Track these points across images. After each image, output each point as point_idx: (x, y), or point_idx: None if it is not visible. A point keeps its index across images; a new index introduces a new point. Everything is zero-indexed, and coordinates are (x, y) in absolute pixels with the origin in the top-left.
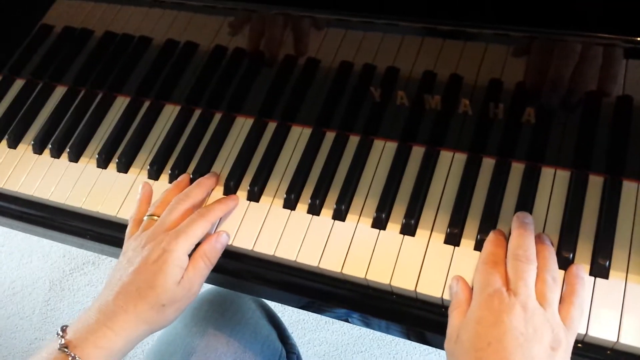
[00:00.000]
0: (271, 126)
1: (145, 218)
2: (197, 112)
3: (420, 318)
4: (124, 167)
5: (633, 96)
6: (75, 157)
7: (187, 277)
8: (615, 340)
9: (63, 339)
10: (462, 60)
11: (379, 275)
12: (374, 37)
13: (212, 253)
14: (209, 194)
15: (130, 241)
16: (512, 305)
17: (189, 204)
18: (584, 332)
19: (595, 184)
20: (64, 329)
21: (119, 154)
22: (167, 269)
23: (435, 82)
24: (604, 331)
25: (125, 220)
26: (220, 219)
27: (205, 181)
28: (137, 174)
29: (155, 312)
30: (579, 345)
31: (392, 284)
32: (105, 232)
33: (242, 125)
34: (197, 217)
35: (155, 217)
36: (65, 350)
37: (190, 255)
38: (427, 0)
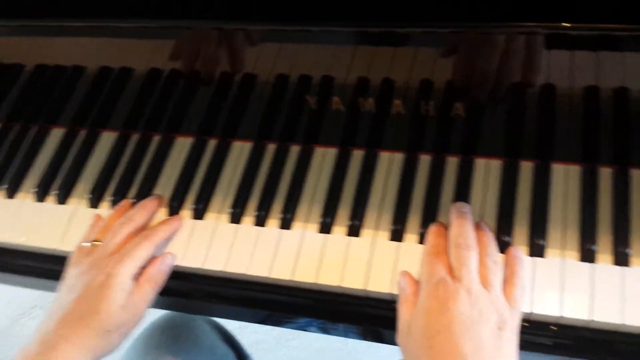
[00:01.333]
0: (212, 143)
1: (87, 244)
2: (135, 137)
3: (374, 316)
4: (62, 199)
5: (556, 84)
6: (11, 193)
7: (132, 302)
8: (558, 315)
9: None
10: (393, 64)
11: (330, 278)
12: (308, 48)
13: (158, 276)
14: (152, 217)
15: (72, 268)
16: (456, 291)
17: (132, 227)
18: (529, 311)
19: (526, 169)
20: None
21: (57, 185)
22: (112, 294)
23: (368, 86)
24: (547, 308)
25: (69, 252)
26: (167, 240)
27: (148, 203)
28: (77, 204)
29: (100, 339)
30: (526, 324)
31: (343, 285)
32: (50, 267)
33: (183, 145)
34: (141, 240)
35: (98, 243)
36: None
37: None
38: (354, 5)
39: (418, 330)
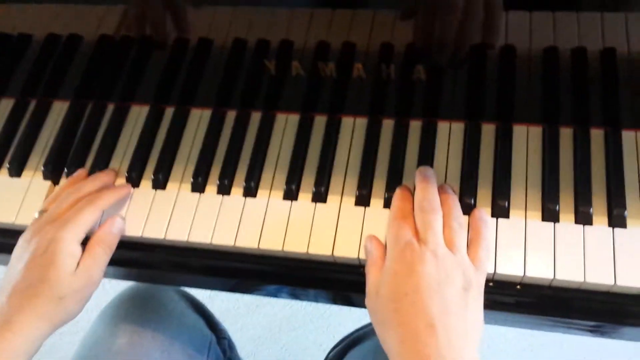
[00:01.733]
0: (169, 111)
1: (35, 215)
2: (90, 106)
3: (343, 281)
4: (16, 171)
5: (516, 45)
6: None
7: (83, 266)
8: (522, 274)
9: None
10: (352, 27)
11: (297, 245)
12: (265, 11)
13: (108, 237)
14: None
15: (20, 240)
16: (423, 254)
17: (79, 196)
18: (493, 271)
19: (489, 131)
20: None
21: (9, 158)
22: (57, 260)
23: (328, 50)
24: (511, 268)
25: (25, 226)
26: (128, 210)
27: (101, 175)
28: (32, 177)
29: (53, 306)
30: (491, 284)
31: (310, 251)
32: (6, 242)
33: (139, 114)
34: (84, 204)
35: (46, 213)
36: None
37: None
38: None
39: (386, 293)
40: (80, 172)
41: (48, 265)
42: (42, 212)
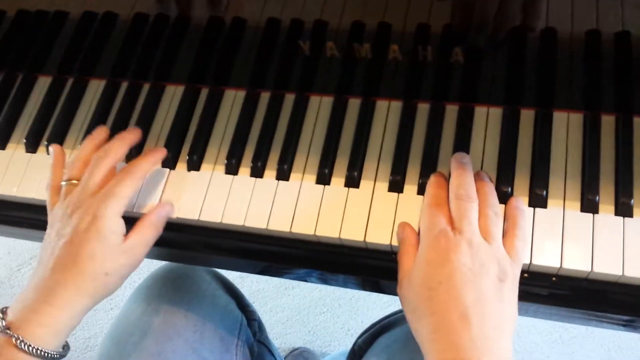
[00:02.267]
0: (204, 92)
1: (63, 184)
2: (125, 85)
3: (374, 267)
4: None
5: (557, 28)
6: (1, 144)
7: (131, 243)
8: (558, 266)
9: (4, 321)
10: (388, 6)
11: (328, 230)
12: None
13: (158, 221)
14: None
15: (55, 210)
16: (458, 243)
17: (110, 161)
18: (528, 262)
19: (527, 117)
20: (3, 310)
21: (47, 136)
22: (102, 237)
23: (364, 31)
24: (547, 259)
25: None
26: (163, 192)
27: (126, 135)
28: (70, 154)
29: (97, 282)
30: (525, 275)
31: (342, 237)
32: (45, 219)
33: (174, 94)
34: (123, 176)
35: (75, 181)
36: (8, 332)
37: (128, 222)
38: None
39: (418, 281)
40: (100, 131)
41: (92, 241)
42: (69, 181)
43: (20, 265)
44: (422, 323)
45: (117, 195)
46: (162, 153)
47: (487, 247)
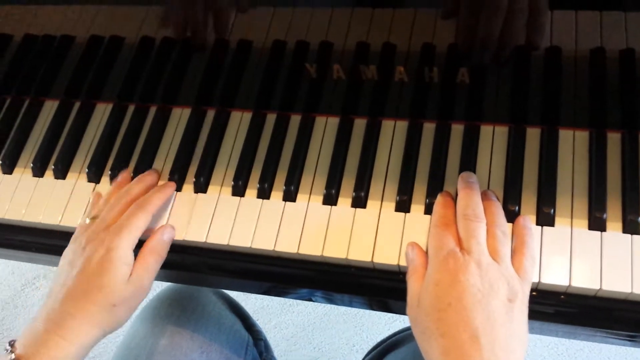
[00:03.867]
0: (210, 114)
1: (86, 220)
2: (132, 108)
3: (381, 287)
4: (61, 174)
5: (561, 47)
6: (9, 169)
7: (136, 275)
8: (567, 284)
9: (13, 354)
10: (393, 28)
11: (336, 250)
12: (304, 12)
13: (160, 247)
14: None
15: (70, 244)
16: (466, 264)
17: (128, 200)
18: (537, 280)
19: (533, 135)
20: (12, 343)
21: (54, 160)
22: (113, 268)
23: (369, 52)
24: (556, 277)
25: (69, 227)
26: (170, 214)
27: (146, 177)
28: (76, 179)
29: (106, 314)
30: (534, 293)
31: (349, 257)
32: (51, 243)
33: (180, 116)
34: (135, 210)
35: (96, 219)
36: None
37: (136, 252)
38: None
39: (428, 303)
40: (125, 175)
41: (104, 273)
42: (93, 218)
43: (24, 285)
44: (432, 344)
45: (130, 228)
46: (172, 188)
47: (496, 268)
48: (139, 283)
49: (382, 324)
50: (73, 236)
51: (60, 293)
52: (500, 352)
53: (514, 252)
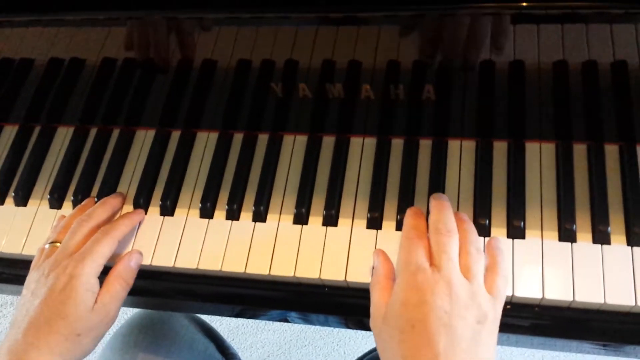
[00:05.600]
0: (175, 135)
1: (45, 247)
2: (94, 131)
3: (356, 306)
4: (22, 200)
5: (524, 60)
6: None
7: (101, 302)
8: (540, 297)
9: None
10: (358, 46)
11: (308, 270)
12: (268, 31)
13: (126, 273)
14: (115, 214)
15: (33, 272)
16: (436, 283)
17: (92, 224)
18: (510, 294)
19: (500, 149)
20: None
21: (14, 187)
22: (77, 296)
23: (334, 71)
24: (529, 290)
25: (32, 256)
26: (135, 238)
27: (110, 200)
28: (38, 205)
29: (70, 344)
30: (508, 306)
31: (322, 277)
32: (14, 272)
33: (144, 138)
34: (101, 236)
35: (57, 244)
36: None
37: (102, 278)
38: None
39: (393, 323)
40: (88, 201)
41: (67, 301)
42: (53, 243)
43: None
44: None
45: (94, 255)
46: (140, 216)
47: (467, 287)
48: (104, 311)
49: (360, 339)
50: (33, 262)
51: (23, 322)
52: None
53: (486, 271)
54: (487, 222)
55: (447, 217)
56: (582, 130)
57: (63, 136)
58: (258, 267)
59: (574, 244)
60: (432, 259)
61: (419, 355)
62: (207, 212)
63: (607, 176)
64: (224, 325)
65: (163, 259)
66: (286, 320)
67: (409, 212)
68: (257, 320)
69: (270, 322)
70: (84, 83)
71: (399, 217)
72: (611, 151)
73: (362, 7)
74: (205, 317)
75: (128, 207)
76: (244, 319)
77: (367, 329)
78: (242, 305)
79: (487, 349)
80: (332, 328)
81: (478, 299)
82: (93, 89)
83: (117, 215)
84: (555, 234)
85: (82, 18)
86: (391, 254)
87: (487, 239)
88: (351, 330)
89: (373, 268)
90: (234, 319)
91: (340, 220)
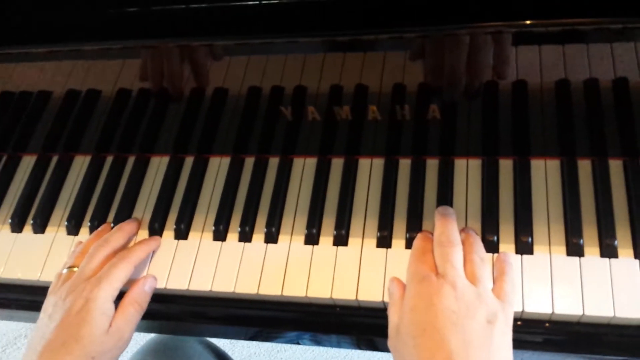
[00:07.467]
0: (188, 161)
1: (63, 272)
2: (110, 159)
3: (367, 325)
4: (40, 228)
5: (527, 80)
6: None
7: (116, 326)
8: (550, 312)
9: None
10: (364, 70)
11: (320, 290)
12: (278, 59)
13: (141, 297)
14: (130, 239)
15: (50, 297)
16: (441, 287)
17: (108, 250)
18: (520, 309)
19: (506, 167)
20: None
21: (32, 214)
22: (92, 319)
23: (342, 94)
24: (538, 305)
25: (49, 283)
26: (150, 262)
27: (125, 226)
28: (55, 232)
29: None
30: (519, 322)
31: (334, 297)
32: (31, 299)
33: (159, 165)
34: (117, 261)
35: (75, 268)
36: None
37: (117, 302)
38: (321, 14)
39: (405, 330)
40: (104, 226)
41: (82, 324)
42: (70, 268)
43: (5, 345)
44: None
45: (111, 279)
46: (156, 242)
47: (473, 290)
48: (119, 334)
49: None
50: (51, 287)
51: (39, 345)
52: None
53: (494, 282)
54: (495, 238)
55: (450, 230)
56: (586, 147)
57: (80, 164)
58: (271, 288)
59: (581, 258)
60: (437, 269)
61: (434, 357)
62: (220, 235)
63: (612, 190)
64: (237, 353)
65: (177, 282)
66: (298, 343)
67: (417, 237)
68: (270, 348)
69: (283, 349)
70: (100, 113)
71: (408, 235)
72: (615, 166)
73: (365, 31)
74: (219, 343)
75: (143, 232)
76: (256, 348)
77: (379, 349)
78: (255, 327)
79: (502, 348)
80: (344, 355)
81: (485, 299)
82: (109, 118)
83: (133, 241)
84: (563, 248)
85: (100, 48)
86: (402, 272)
87: (495, 255)
88: (362, 356)
89: (389, 293)
90: (246, 347)
91: (351, 240)
